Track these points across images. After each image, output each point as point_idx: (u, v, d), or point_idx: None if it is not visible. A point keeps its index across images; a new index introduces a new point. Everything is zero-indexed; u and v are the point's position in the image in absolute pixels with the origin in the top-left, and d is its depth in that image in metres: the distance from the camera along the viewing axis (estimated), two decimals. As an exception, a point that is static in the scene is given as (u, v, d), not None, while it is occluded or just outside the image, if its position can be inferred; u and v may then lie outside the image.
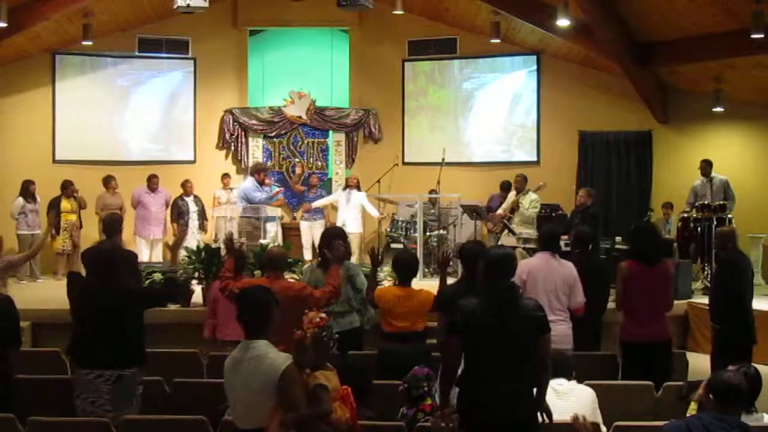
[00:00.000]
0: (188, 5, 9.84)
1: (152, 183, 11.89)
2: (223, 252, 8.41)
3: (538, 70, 13.24)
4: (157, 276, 8.06)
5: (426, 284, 6.60)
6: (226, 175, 12.80)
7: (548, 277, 6.04)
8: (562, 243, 8.76)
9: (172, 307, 8.37)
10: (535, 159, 13.21)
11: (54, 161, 12.73)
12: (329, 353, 4.09)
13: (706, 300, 7.74)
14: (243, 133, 13.49)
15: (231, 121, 13.41)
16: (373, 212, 11.80)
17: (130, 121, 13.30)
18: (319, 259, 6.36)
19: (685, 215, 10.31)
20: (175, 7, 10.08)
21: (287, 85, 13.60)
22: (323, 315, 4.09)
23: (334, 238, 6.02)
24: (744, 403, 3.92)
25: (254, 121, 13.45)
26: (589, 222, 8.89)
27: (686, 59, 10.92)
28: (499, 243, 9.53)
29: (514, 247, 9.04)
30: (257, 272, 7.15)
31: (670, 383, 5.27)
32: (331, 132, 13.70)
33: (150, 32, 13.12)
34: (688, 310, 8.96)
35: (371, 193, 12.27)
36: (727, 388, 3.66)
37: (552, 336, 4.20)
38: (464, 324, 4.14)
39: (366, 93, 13.73)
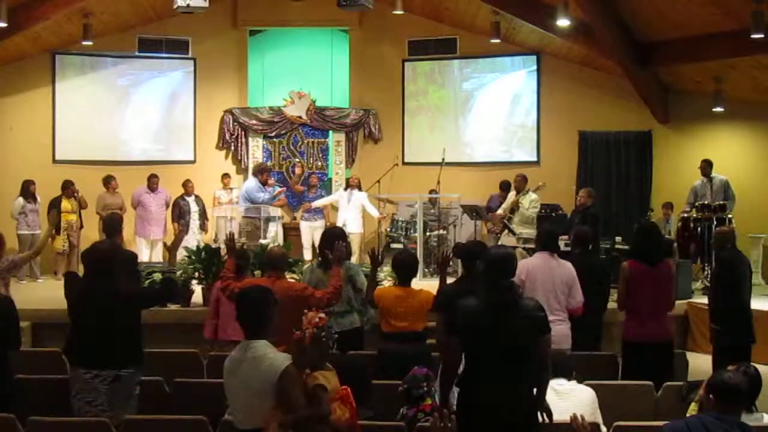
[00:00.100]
0: (188, 5, 9.85)
1: (152, 183, 11.90)
2: (223, 252, 8.43)
3: (538, 70, 13.24)
4: (157, 276, 8.06)
5: (426, 284, 6.60)
6: (226, 175, 12.80)
7: (547, 277, 6.04)
8: (561, 243, 8.81)
9: (172, 307, 8.38)
10: (535, 159, 13.21)
11: (54, 161, 12.73)
12: (329, 353, 4.09)
13: (706, 300, 7.73)
14: (243, 133, 13.49)
15: (231, 121, 13.41)
16: (374, 212, 11.80)
17: (130, 121, 13.30)
18: (319, 259, 6.36)
19: (685, 215, 10.31)
20: (175, 7, 10.09)
21: (287, 85, 13.60)
22: (322, 315, 4.09)
23: (335, 238, 6.01)
24: (744, 403, 3.92)
25: (254, 121, 13.45)
26: (589, 222, 8.89)
27: (686, 59, 10.92)
28: (499, 243, 9.53)
29: (514, 247, 9.04)
30: (257, 272, 7.15)
31: (670, 383, 5.27)
32: (331, 132, 13.70)
33: (150, 32, 13.12)
34: (688, 310, 8.97)
35: (371, 193, 12.27)
36: (727, 388, 3.66)
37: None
38: (464, 324, 4.14)
39: (366, 93, 13.73)
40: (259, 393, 3.83)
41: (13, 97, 12.56)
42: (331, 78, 14.13)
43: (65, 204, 11.17)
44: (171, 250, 11.12)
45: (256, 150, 13.48)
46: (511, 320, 4.03)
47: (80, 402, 4.72)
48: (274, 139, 13.55)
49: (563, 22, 10.26)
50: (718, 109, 11.35)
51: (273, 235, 10.13)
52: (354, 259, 8.50)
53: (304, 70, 13.88)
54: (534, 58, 13.25)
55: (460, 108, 13.79)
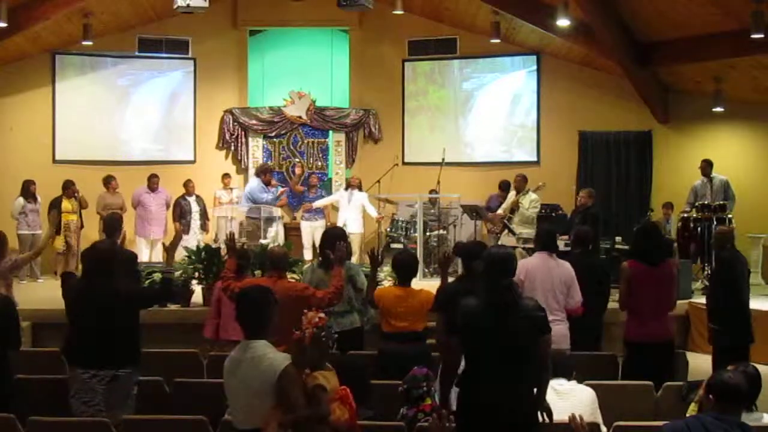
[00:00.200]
0: (188, 5, 9.86)
1: (152, 183, 11.91)
2: (223, 252, 8.43)
3: (538, 70, 13.24)
4: (157, 276, 8.06)
5: (426, 284, 6.60)
6: (226, 175, 12.81)
7: (546, 277, 6.05)
8: (561, 243, 8.81)
9: (172, 307, 8.38)
10: (535, 159, 13.21)
11: (54, 161, 12.73)
12: (328, 353, 4.09)
13: (705, 300, 7.73)
14: (243, 133, 13.49)
15: (231, 121, 13.42)
16: (372, 212, 11.79)
17: (130, 121, 13.31)
18: (320, 259, 6.36)
19: (685, 215, 10.31)
20: (175, 7, 10.09)
21: (287, 85, 13.60)
22: (322, 315, 4.09)
23: (335, 238, 6.02)
24: (744, 403, 3.92)
25: (254, 121, 13.45)
26: (589, 222, 8.89)
27: (686, 59, 10.92)
28: (499, 243, 9.53)
29: (514, 247, 9.04)
30: (257, 272, 7.15)
31: (670, 383, 5.27)
32: (331, 132, 13.70)
33: (150, 32, 13.12)
34: (688, 310, 8.97)
35: (371, 193, 12.27)
36: (727, 388, 3.66)
37: (550, 336, 4.20)
38: (464, 324, 4.14)
39: (366, 93, 13.73)
40: (259, 393, 3.83)
41: (13, 97, 12.56)
42: (331, 78, 14.13)
43: (66, 204, 11.17)
44: (169, 250, 11.12)
45: (256, 150, 13.49)
46: (511, 320, 4.03)
47: (78, 402, 4.72)
48: (274, 139, 13.55)
49: (563, 22, 10.26)
50: (718, 109, 11.35)
51: (273, 235, 10.13)
52: (354, 259, 8.50)
53: (304, 70, 13.88)
54: (534, 58, 13.25)
55: (460, 108, 13.79)
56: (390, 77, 13.77)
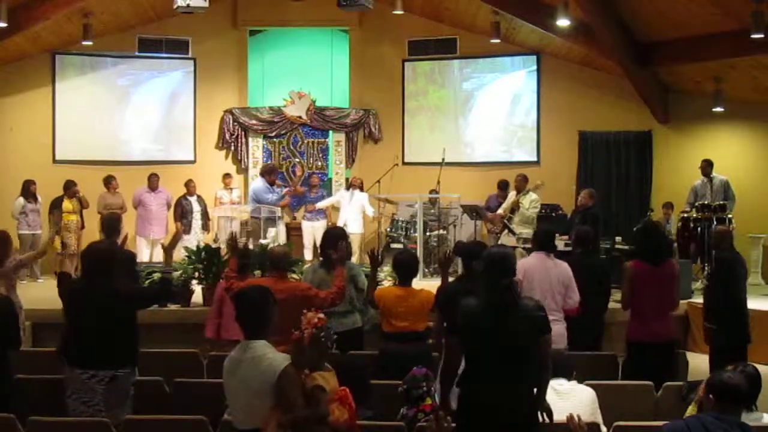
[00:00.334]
0: (188, 5, 9.86)
1: (152, 182, 11.92)
2: (223, 252, 8.44)
3: (538, 70, 13.24)
4: (157, 276, 8.06)
5: (426, 284, 6.60)
6: (227, 175, 12.81)
7: (543, 277, 6.05)
8: (561, 243, 8.81)
9: (172, 307, 8.38)
10: (535, 159, 13.21)
11: (54, 161, 12.74)
12: (327, 354, 4.08)
13: (703, 299, 7.72)
14: (243, 133, 13.49)
15: (231, 121, 13.42)
16: (369, 212, 11.80)
17: (130, 121, 13.31)
18: (321, 259, 6.36)
19: (685, 215, 10.31)
20: (175, 7, 10.10)
21: (287, 85, 13.60)
22: (321, 316, 4.08)
23: (337, 238, 6.03)
24: (744, 403, 3.91)
25: (254, 121, 13.45)
26: (589, 222, 8.89)
27: (686, 59, 10.93)
28: (499, 243, 9.53)
29: (514, 247, 9.04)
30: (257, 272, 7.15)
31: (670, 383, 5.27)
32: (331, 132, 13.70)
33: (150, 32, 13.12)
34: (688, 310, 8.96)
35: (371, 193, 12.27)
36: (727, 388, 3.66)
37: (548, 336, 4.20)
38: (464, 324, 4.14)
39: (366, 93, 13.73)
40: (259, 393, 3.82)
41: (13, 97, 12.57)
42: (331, 78, 14.13)
43: (66, 204, 11.18)
44: (168, 250, 11.11)
45: (256, 150, 13.49)
46: (511, 320, 4.03)
47: (76, 402, 4.71)
48: (274, 139, 13.55)
49: (563, 22, 10.26)
50: (718, 109, 11.35)
51: (273, 235, 10.13)
52: (354, 259, 8.50)
53: (304, 70, 13.89)
54: (534, 58, 13.25)
55: (460, 108, 13.79)
56: (390, 77, 13.78)
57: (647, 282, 5.92)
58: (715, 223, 9.64)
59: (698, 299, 9.10)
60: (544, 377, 4.14)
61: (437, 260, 9.26)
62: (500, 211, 10.72)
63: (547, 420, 4.12)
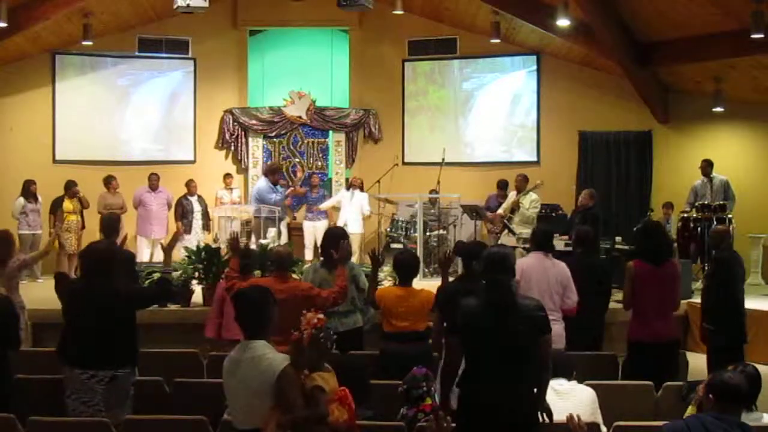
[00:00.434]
0: (188, 5, 9.86)
1: (152, 181, 11.92)
2: (223, 252, 8.44)
3: (538, 70, 13.24)
4: (157, 276, 8.06)
5: (426, 284, 6.60)
6: (228, 175, 12.81)
7: (542, 277, 6.04)
8: (561, 243, 8.81)
9: (172, 307, 8.38)
10: (535, 159, 13.21)
11: (54, 161, 12.74)
12: (327, 354, 4.08)
13: (700, 299, 7.71)
14: (243, 133, 13.49)
15: (231, 121, 13.42)
16: (365, 210, 11.84)
17: (130, 121, 13.31)
18: (322, 258, 6.36)
19: (685, 215, 10.31)
20: (175, 7, 10.10)
21: (287, 85, 13.60)
22: (321, 316, 4.08)
23: (338, 238, 6.04)
24: (744, 403, 3.91)
25: (254, 121, 13.45)
26: (589, 222, 8.89)
27: (686, 59, 10.92)
28: (499, 243, 9.53)
29: (514, 247, 9.04)
30: (257, 272, 7.15)
31: (670, 383, 5.27)
32: (331, 132, 13.70)
33: (150, 32, 13.12)
34: (688, 310, 8.96)
35: (371, 193, 12.28)
36: (727, 387, 3.66)
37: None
38: (464, 324, 4.14)
39: (366, 93, 13.73)
40: (258, 393, 3.82)
41: (13, 97, 12.56)
42: (331, 78, 14.13)
43: (67, 204, 11.19)
44: (167, 250, 11.13)
45: (256, 150, 13.49)
46: (511, 320, 4.03)
47: (75, 402, 4.70)
48: (274, 139, 13.55)
49: (563, 22, 10.26)
50: (718, 109, 11.35)
51: (273, 235, 10.14)
52: (354, 259, 8.49)
53: (304, 70, 13.88)
54: (534, 58, 13.25)
55: (460, 108, 13.79)
56: (390, 77, 13.77)
57: (648, 282, 5.91)
58: (715, 223, 9.65)
59: (698, 299, 9.08)
60: (544, 377, 4.14)
61: (437, 260, 9.26)
62: (500, 211, 10.73)
63: (547, 420, 4.12)
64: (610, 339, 7.42)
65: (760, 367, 4.49)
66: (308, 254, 11.58)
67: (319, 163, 13.59)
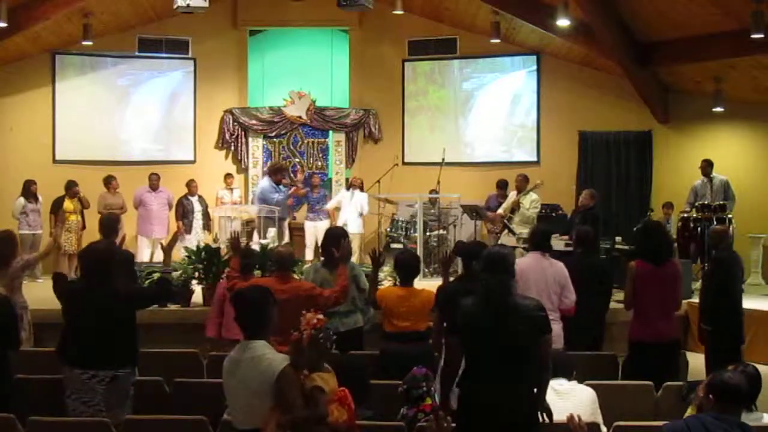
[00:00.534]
0: (188, 5, 9.86)
1: (153, 181, 11.93)
2: (223, 252, 8.44)
3: (538, 70, 13.24)
4: (157, 276, 8.06)
5: (426, 284, 6.60)
6: (229, 175, 12.81)
7: (539, 277, 6.04)
8: (562, 243, 8.81)
9: (172, 307, 8.38)
10: (535, 159, 13.21)
11: (54, 161, 12.74)
12: (327, 354, 4.08)
13: (698, 299, 7.71)
14: (243, 133, 13.49)
15: (231, 121, 13.42)
16: (364, 210, 11.86)
17: (130, 121, 13.31)
18: (322, 258, 6.36)
19: (685, 215, 10.32)
20: (175, 7, 10.10)
21: (287, 85, 13.60)
22: (321, 316, 4.08)
23: (339, 237, 6.04)
24: (744, 403, 3.92)
25: (254, 121, 13.46)
26: (589, 222, 8.89)
27: (686, 59, 10.92)
28: (499, 243, 9.53)
29: (515, 247, 9.04)
30: (257, 272, 7.15)
31: (670, 383, 5.27)
32: (331, 132, 13.70)
33: (150, 32, 13.12)
34: (688, 310, 8.96)
35: (371, 193, 12.29)
36: (727, 387, 3.66)
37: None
38: (464, 324, 4.14)
39: (366, 93, 13.73)
40: (258, 393, 3.82)
41: (13, 97, 12.56)
42: (331, 78, 14.13)
43: (68, 204, 11.18)
44: (166, 250, 11.13)
45: (256, 150, 13.49)
46: (511, 320, 4.03)
47: (76, 402, 4.70)
48: (274, 139, 13.55)
49: (563, 22, 10.25)
50: (718, 109, 11.35)
51: (273, 235, 10.13)
52: (354, 259, 8.49)
53: (304, 70, 13.88)
54: (534, 58, 13.25)
55: (460, 108, 13.79)
56: (390, 77, 13.77)
57: (650, 282, 5.90)
58: (715, 223, 9.65)
59: (698, 299, 9.11)
60: (544, 377, 4.14)
61: (439, 260, 9.27)
62: (500, 210, 10.73)
63: (547, 420, 4.12)
64: (610, 339, 7.42)
65: (760, 367, 4.49)
66: (309, 254, 11.58)
67: (319, 163, 13.59)
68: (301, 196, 12.44)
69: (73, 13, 11.52)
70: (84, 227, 11.44)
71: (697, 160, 10.92)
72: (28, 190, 11.19)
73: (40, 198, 11.32)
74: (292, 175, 13.33)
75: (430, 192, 12.06)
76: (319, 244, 8.91)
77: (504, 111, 13.59)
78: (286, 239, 10.76)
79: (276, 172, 10.52)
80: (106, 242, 6.31)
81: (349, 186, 12.26)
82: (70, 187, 11.24)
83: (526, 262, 6.21)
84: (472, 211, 11.09)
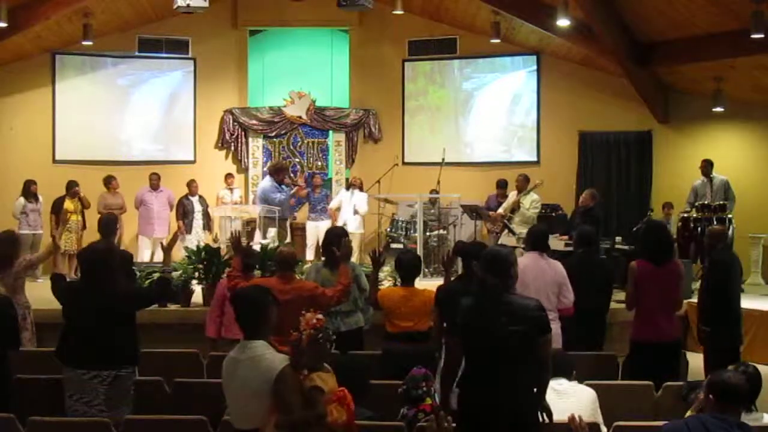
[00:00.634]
0: (188, 5, 9.85)
1: (153, 181, 11.93)
2: (223, 252, 8.43)
3: (538, 70, 13.24)
4: (157, 275, 8.05)
5: (426, 284, 6.59)
6: (229, 175, 12.81)
7: (538, 277, 6.04)
8: (561, 243, 8.81)
9: (172, 307, 8.38)
10: (535, 159, 13.21)
11: (54, 161, 12.74)
12: (326, 355, 4.08)
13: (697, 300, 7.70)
14: (243, 133, 13.49)
15: (231, 121, 13.42)
16: (361, 210, 11.85)
17: (130, 121, 13.31)
18: (324, 258, 6.35)
19: (685, 215, 10.32)
20: (175, 7, 10.09)
21: (287, 85, 13.60)
22: (320, 316, 4.07)
23: (338, 237, 6.04)
24: (744, 403, 3.92)
25: (254, 121, 13.45)
26: (588, 223, 8.88)
27: (686, 59, 10.92)
28: (499, 243, 9.53)
29: (515, 247, 9.03)
30: (257, 272, 7.14)
31: (670, 383, 5.27)
32: (331, 132, 13.70)
33: (150, 32, 13.12)
34: (688, 310, 8.96)
35: (371, 194, 12.29)
36: (727, 388, 3.66)
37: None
38: (464, 324, 4.14)
39: (366, 93, 13.73)
40: (257, 393, 3.82)
41: (13, 97, 12.56)
42: (331, 78, 14.13)
43: (68, 204, 11.17)
44: (166, 249, 11.12)
45: (256, 150, 13.49)
46: (510, 320, 4.02)
47: (77, 403, 4.70)
48: (274, 139, 13.55)
49: (563, 22, 10.25)
50: (718, 109, 11.34)
51: (273, 235, 10.13)
52: (354, 259, 8.49)
53: (304, 70, 13.88)
54: (534, 58, 13.25)
55: (460, 108, 13.79)
56: (390, 77, 13.78)
57: (651, 282, 5.90)
58: (715, 223, 9.65)
59: (696, 299, 9.11)
60: (544, 377, 4.14)
61: (440, 260, 9.25)
62: (500, 210, 10.73)
63: (547, 420, 4.12)
64: (610, 339, 7.41)
65: (760, 367, 4.50)
66: (309, 254, 11.59)
67: (319, 163, 13.59)
68: (302, 198, 12.46)
69: (73, 13, 11.51)
70: (85, 227, 11.43)
71: (697, 160, 10.92)
72: (28, 190, 11.18)
73: (40, 198, 11.32)
74: (292, 175, 13.33)
75: (430, 192, 12.06)
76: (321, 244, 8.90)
77: (504, 111, 13.59)
78: (289, 239, 10.74)
79: (278, 172, 10.51)
80: (106, 242, 6.32)
81: (349, 186, 12.26)
82: (71, 187, 11.23)
83: (523, 263, 6.20)
84: (472, 211, 11.09)
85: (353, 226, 11.39)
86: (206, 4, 9.99)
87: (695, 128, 12.20)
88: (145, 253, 11.61)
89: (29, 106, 12.69)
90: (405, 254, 6.29)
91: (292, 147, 13.57)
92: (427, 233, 11.50)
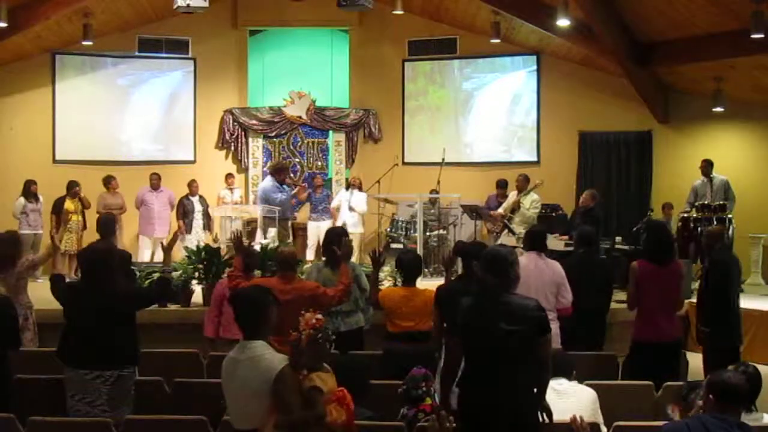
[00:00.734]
0: (188, 5, 9.85)
1: (153, 181, 11.94)
2: (223, 252, 8.43)
3: (538, 70, 13.24)
4: (157, 275, 8.05)
5: (426, 284, 6.59)
6: (230, 175, 12.81)
7: (536, 277, 6.05)
8: (562, 243, 8.81)
9: (172, 307, 8.38)
10: (535, 159, 13.21)
11: (54, 161, 12.74)
12: (326, 355, 4.08)
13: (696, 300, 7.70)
14: (243, 133, 13.50)
15: (231, 121, 13.42)
16: (360, 210, 11.86)
17: (130, 121, 13.31)
18: (324, 258, 6.35)
19: (685, 215, 10.32)
20: (175, 7, 10.09)
21: (287, 85, 13.60)
22: (320, 317, 4.07)
23: (340, 236, 6.05)
24: (744, 403, 3.91)
25: (254, 121, 13.45)
26: (588, 223, 8.89)
27: (686, 59, 10.92)
28: (499, 243, 9.53)
29: (515, 247, 9.01)
30: (257, 272, 7.14)
31: (670, 383, 5.27)
32: (331, 132, 13.70)
33: (150, 32, 13.13)
34: (688, 310, 8.96)
35: (371, 194, 12.29)
36: (727, 388, 3.66)
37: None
38: (464, 324, 4.14)
39: (366, 93, 13.74)
40: (257, 393, 3.82)
41: (13, 97, 12.56)
42: (331, 78, 14.13)
43: (68, 204, 11.18)
44: (166, 249, 11.12)
45: (256, 150, 13.49)
46: (510, 320, 4.03)
47: (80, 403, 4.71)
48: (274, 139, 13.55)
49: (563, 22, 10.25)
50: (718, 109, 11.35)
51: (273, 235, 10.13)
52: (354, 259, 8.49)
53: (304, 70, 13.88)
54: (534, 58, 13.25)
55: (460, 108, 13.79)
56: (390, 77, 13.78)
57: (652, 282, 5.90)
58: (715, 223, 9.65)
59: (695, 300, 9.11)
60: (544, 377, 4.14)
61: (440, 260, 9.25)
62: (500, 210, 10.72)
63: (547, 420, 4.12)
64: (610, 339, 7.41)
65: (760, 367, 4.49)
66: (310, 254, 11.58)
67: (319, 163, 13.59)
68: (302, 200, 12.47)
69: (73, 13, 11.51)
70: (85, 227, 11.44)
71: (697, 160, 10.92)
72: (29, 190, 11.18)
73: (41, 198, 11.32)
74: (292, 175, 13.34)
75: (430, 192, 12.06)
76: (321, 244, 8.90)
77: (504, 111, 13.59)
78: (290, 239, 10.74)
79: (278, 172, 10.51)
80: (106, 242, 6.32)
81: (348, 186, 12.26)
82: (72, 188, 11.24)
83: (522, 263, 6.17)
84: (472, 211, 11.09)
85: (352, 225, 11.39)
86: (206, 4, 9.99)
87: (695, 128, 12.20)
88: (146, 252, 11.62)
89: (29, 106, 12.69)
90: (406, 254, 6.29)
91: (292, 147, 13.57)
92: (427, 233, 11.50)
